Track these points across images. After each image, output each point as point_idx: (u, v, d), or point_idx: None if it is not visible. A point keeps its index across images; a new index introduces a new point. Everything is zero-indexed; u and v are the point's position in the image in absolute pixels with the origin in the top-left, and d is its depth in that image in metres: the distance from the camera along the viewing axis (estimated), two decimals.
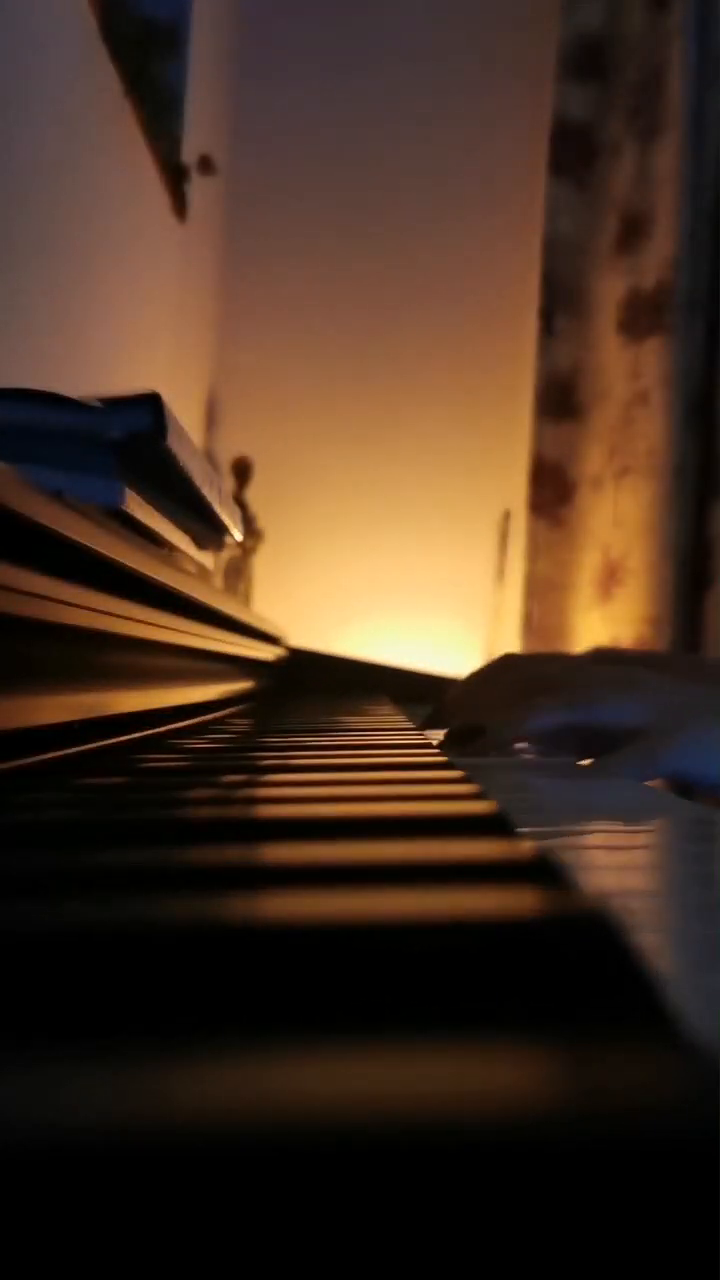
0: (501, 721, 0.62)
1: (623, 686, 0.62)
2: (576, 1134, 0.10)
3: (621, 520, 2.13)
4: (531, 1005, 0.14)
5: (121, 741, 0.50)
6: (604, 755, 0.58)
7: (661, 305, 2.09)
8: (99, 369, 1.31)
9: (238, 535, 1.00)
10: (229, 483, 2.09)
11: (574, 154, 2.21)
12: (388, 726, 0.72)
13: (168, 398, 0.62)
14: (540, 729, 0.62)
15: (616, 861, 0.31)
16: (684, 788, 0.61)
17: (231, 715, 0.85)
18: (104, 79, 1.26)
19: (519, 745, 0.66)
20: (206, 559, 0.98)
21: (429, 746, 0.53)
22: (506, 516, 2.32)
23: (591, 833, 0.38)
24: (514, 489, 2.28)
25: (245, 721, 0.80)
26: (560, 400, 2.23)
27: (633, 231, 2.15)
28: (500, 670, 0.72)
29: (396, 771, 0.41)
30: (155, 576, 0.56)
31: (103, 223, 1.31)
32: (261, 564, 2.12)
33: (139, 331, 1.56)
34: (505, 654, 0.77)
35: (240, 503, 2.05)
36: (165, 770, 0.45)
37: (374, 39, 2.30)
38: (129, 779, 0.41)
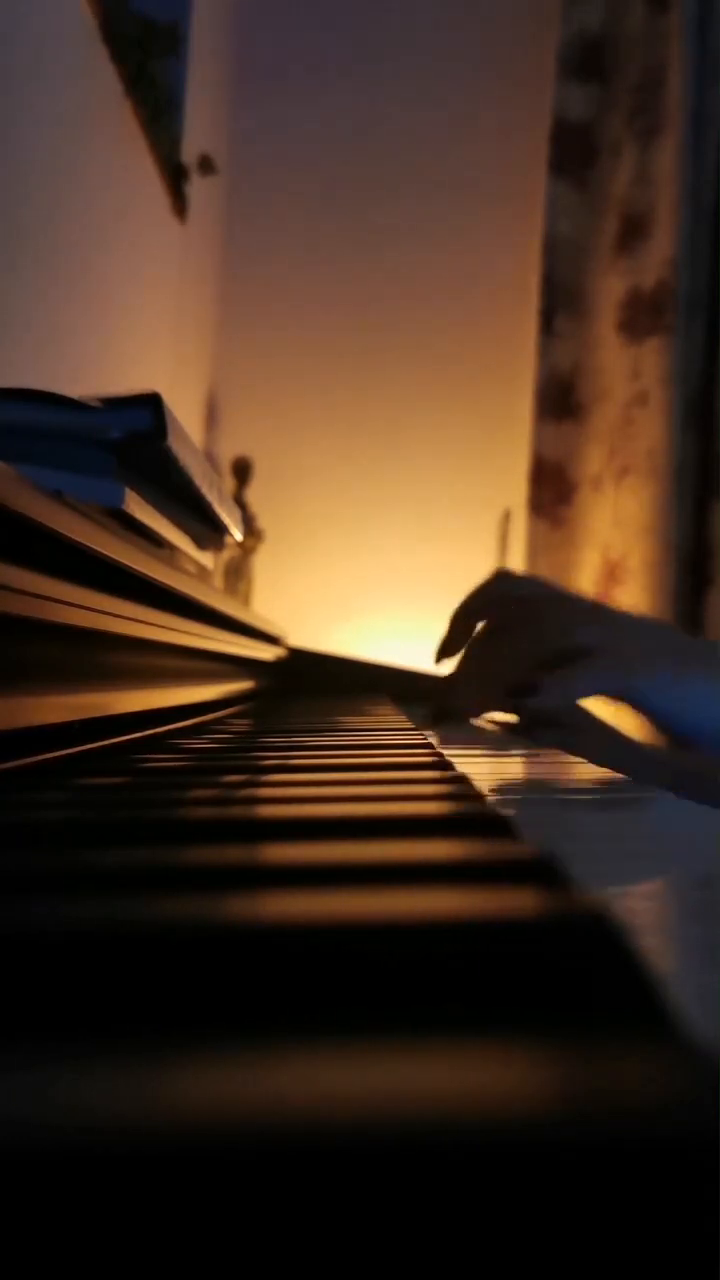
0: (556, 684, 0.61)
1: (590, 617, 0.63)
2: (577, 1135, 0.10)
3: (621, 520, 2.13)
4: (531, 1006, 0.14)
5: (121, 741, 0.50)
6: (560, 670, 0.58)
7: (661, 305, 2.09)
8: (99, 369, 1.31)
9: (238, 535, 1.00)
10: (229, 483, 2.09)
11: (574, 154, 2.21)
12: (388, 726, 0.72)
13: (168, 398, 0.62)
14: (586, 692, 0.61)
15: (616, 861, 0.31)
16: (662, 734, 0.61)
17: (231, 715, 0.85)
18: (104, 79, 1.26)
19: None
20: (206, 559, 0.98)
21: (429, 746, 0.53)
22: (506, 516, 2.32)
23: (592, 831, 0.38)
24: (514, 489, 2.28)
25: (245, 721, 0.80)
26: (560, 400, 2.23)
27: (633, 231, 2.15)
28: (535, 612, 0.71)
29: (397, 771, 0.41)
30: (155, 576, 0.56)
31: (103, 223, 1.31)
32: (261, 564, 2.12)
33: (139, 331, 1.56)
34: (499, 571, 0.76)
35: (240, 503, 2.05)
36: (165, 770, 0.45)
37: (374, 39, 2.30)
38: (129, 779, 0.41)
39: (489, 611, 0.71)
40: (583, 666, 0.58)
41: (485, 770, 0.48)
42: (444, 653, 0.73)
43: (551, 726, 0.62)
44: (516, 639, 0.63)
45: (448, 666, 0.69)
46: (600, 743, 0.62)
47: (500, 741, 0.55)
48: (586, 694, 0.58)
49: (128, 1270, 0.09)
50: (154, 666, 0.63)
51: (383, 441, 2.30)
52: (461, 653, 0.74)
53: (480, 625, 0.73)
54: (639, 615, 0.70)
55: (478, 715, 0.64)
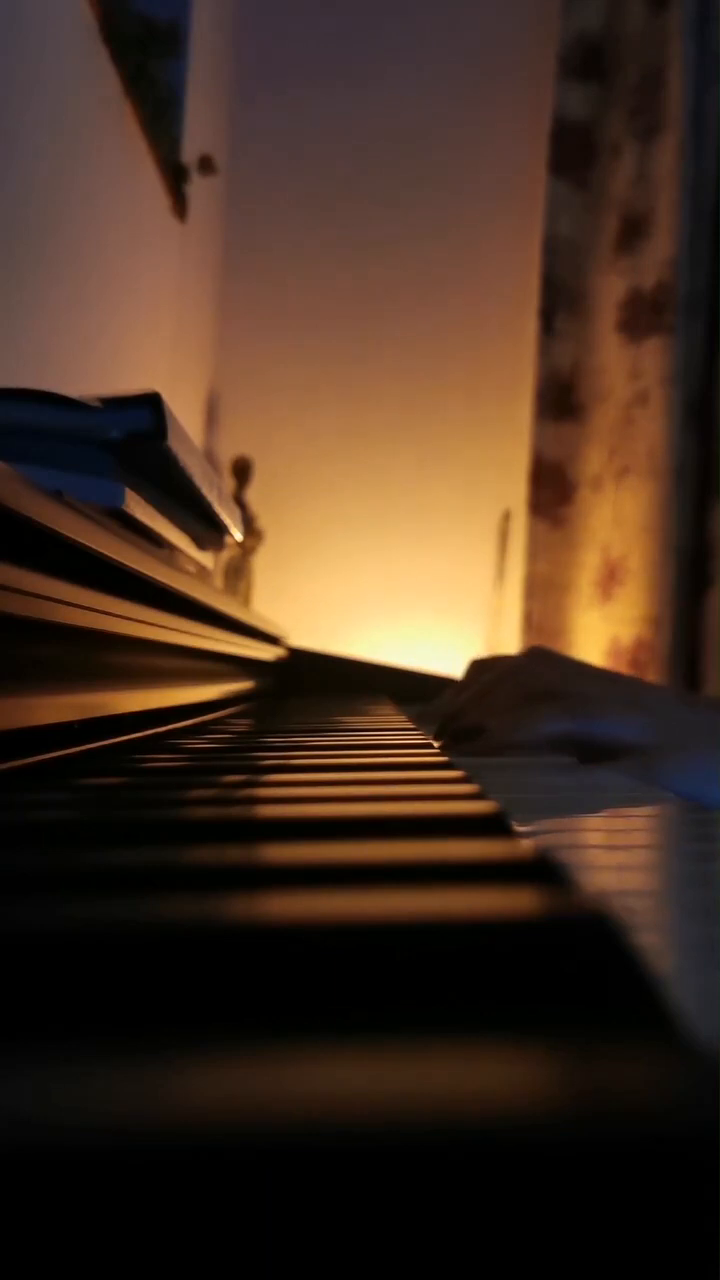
0: (506, 725, 0.62)
1: (628, 703, 0.62)
2: (577, 1134, 0.10)
3: (621, 520, 2.13)
4: (532, 1005, 0.14)
5: (121, 741, 0.50)
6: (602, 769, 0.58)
7: (661, 305, 2.09)
8: (99, 369, 1.30)
9: (238, 535, 1.00)
10: (229, 483, 2.09)
11: (574, 154, 2.21)
12: (388, 726, 0.72)
13: (168, 398, 0.62)
14: (542, 737, 0.62)
15: (616, 861, 0.31)
16: None
17: (232, 715, 0.86)
18: (104, 79, 1.26)
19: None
20: (206, 559, 0.98)
21: (429, 746, 0.53)
22: (506, 516, 2.32)
23: (591, 832, 0.38)
24: (514, 489, 2.28)
25: (245, 721, 0.80)
26: (560, 400, 2.23)
27: (633, 231, 2.15)
28: (521, 667, 0.71)
29: (397, 771, 0.41)
30: (155, 576, 0.56)
31: (103, 223, 1.31)
32: (261, 564, 2.12)
33: (139, 332, 1.56)
34: (536, 647, 0.76)
35: (240, 503, 2.05)
36: (165, 770, 0.45)
37: (374, 39, 2.30)
38: (129, 779, 0.41)
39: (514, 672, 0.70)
40: (632, 769, 0.57)
41: None
42: (445, 713, 0.71)
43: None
44: (561, 704, 0.63)
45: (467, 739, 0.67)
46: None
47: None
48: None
49: (129, 1270, 0.09)
50: (154, 666, 0.63)
51: (382, 441, 2.30)
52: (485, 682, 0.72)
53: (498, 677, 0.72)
54: (677, 700, 0.69)
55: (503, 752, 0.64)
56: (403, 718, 0.83)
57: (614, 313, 2.17)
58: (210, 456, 2.14)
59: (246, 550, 2.05)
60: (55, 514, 0.40)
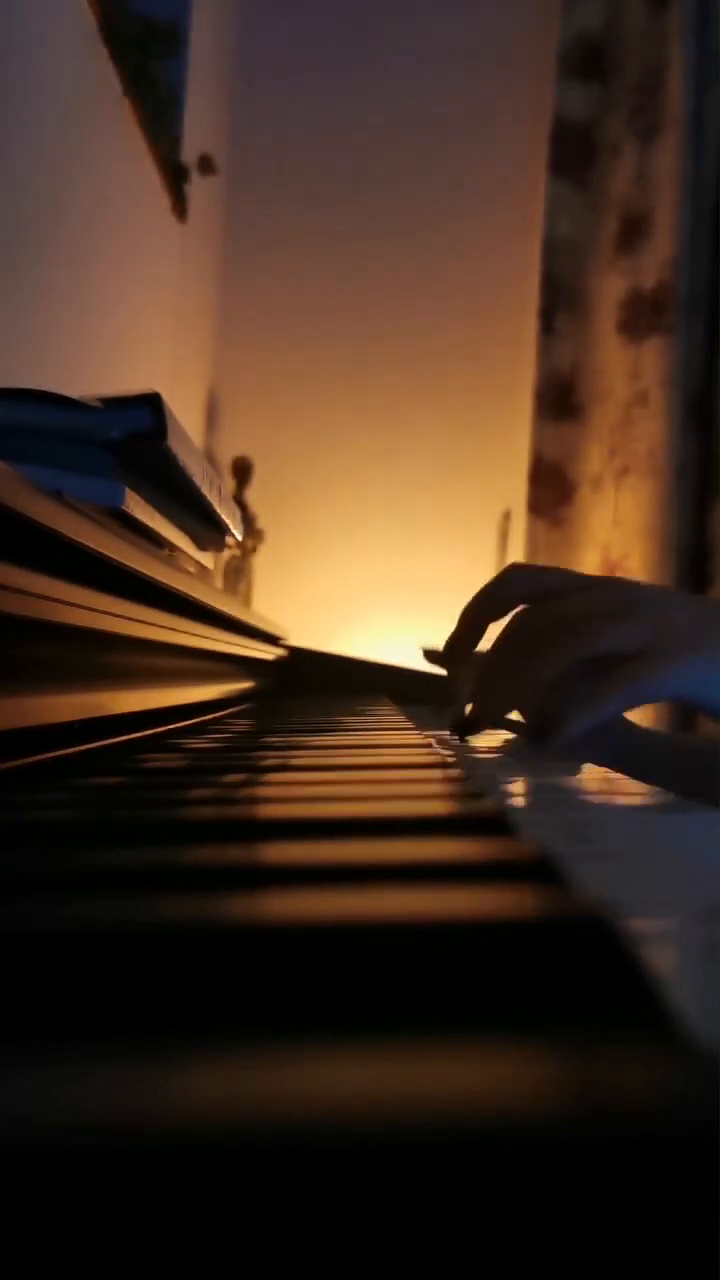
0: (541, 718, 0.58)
1: (623, 612, 0.58)
2: (577, 1134, 0.10)
3: (621, 520, 2.13)
4: (531, 1005, 0.14)
5: (121, 741, 0.50)
6: (600, 682, 0.55)
7: (661, 305, 2.09)
8: (99, 369, 1.30)
9: (238, 535, 1.00)
10: (229, 483, 2.09)
11: (574, 154, 2.21)
12: (388, 726, 0.72)
13: (168, 398, 0.62)
14: (549, 681, 0.58)
15: (615, 860, 0.31)
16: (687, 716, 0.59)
17: (232, 715, 0.85)
18: (104, 79, 1.26)
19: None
20: (206, 559, 0.98)
21: (429, 746, 0.53)
22: (506, 516, 2.32)
23: (591, 831, 0.38)
24: (514, 489, 2.28)
25: (245, 721, 0.80)
26: (560, 400, 2.23)
27: (633, 231, 2.15)
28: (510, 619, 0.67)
29: (397, 771, 0.41)
30: (155, 576, 0.56)
31: (103, 223, 1.31)
32: (261, 564, 2.12)
33: (139, 332, 1.56)
34: (513, 566, 0.70)
35: (240, 503, 2.05)
36: (165, 770, 0.45)
37: (374, 38, 2.30)
38: (129, 779, 0.41)
39: (507, 610, 0.67)
40: (621, 679, 0.54)
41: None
42: (454, 652, 0.68)
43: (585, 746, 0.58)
44: (546, 645, 0.59)
45: (453, 666, 0.65)
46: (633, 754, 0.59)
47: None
48: (629, 708, 0.55)
49: (129, 1270, 0.09)
50: (154, 666, 0.63)
51: (383, 441, 2.30)
52: (478, 656, 0.69)
53: (499, 623, 0.68)
54: (672, 594, 0.64)
55: (502, 724, 0.62)
56: (402, 717, 0.83)
57: (614, 313, 2.17)
58: (210, 456, 2.14)
59: (246, 550, 2.05)
60: (55, 514, 0.40)
